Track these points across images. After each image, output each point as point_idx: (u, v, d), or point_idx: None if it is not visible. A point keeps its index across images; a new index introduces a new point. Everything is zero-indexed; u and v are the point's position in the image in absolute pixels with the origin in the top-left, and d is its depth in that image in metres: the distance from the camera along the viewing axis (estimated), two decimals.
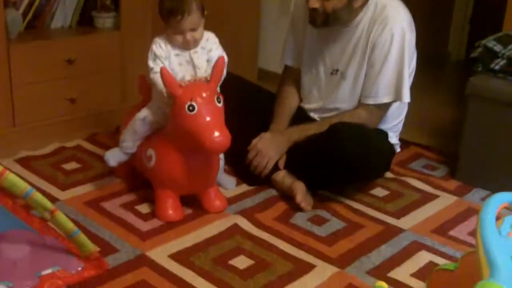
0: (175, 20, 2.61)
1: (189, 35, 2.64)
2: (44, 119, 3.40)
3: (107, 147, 3.19)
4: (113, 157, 2.85)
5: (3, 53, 3.17)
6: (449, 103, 4.37)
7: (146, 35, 3.58)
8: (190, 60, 2.71)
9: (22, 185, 2.11)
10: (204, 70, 2.69)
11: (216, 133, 2.45)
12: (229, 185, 3.06)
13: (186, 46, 2.68)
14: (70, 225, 2.22)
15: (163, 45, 2.68)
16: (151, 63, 2.66)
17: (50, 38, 3.49)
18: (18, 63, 3.23)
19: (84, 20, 3.70)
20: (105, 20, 3.68)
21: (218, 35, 3.60)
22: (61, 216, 2.19)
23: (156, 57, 2.66)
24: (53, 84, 3.40)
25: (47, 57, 3.35)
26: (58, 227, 2.25)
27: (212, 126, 2.46)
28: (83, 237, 2.26)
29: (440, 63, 5.45)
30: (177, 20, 2.61)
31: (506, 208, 1.81)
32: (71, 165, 3.19)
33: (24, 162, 3.18)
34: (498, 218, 1.74)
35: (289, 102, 3.20)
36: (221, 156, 2.96)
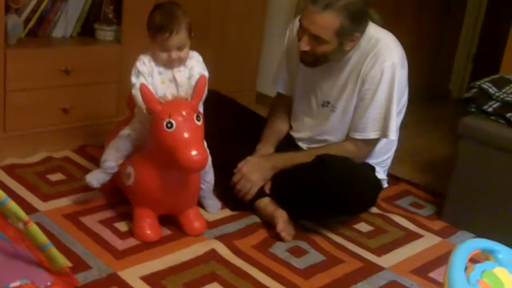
0: (162, 37, 2.62)
1: (174, 54, 2.64)
2: (34, 127, 3.39)
3: (95, 160, 3.19)
4: (96, 179, 2.81)
5: (0, 58, 3.17)
6: (445, 141, 4.36)
7: (147, 50, 3.58)
8: (173, 79, 2.72)
9: None
10: (185, 90, 2.69)
11: (194, 152, 2.43)
12: (213, 209, 3.03)
13: (170, 64, 2.68)
14: (42, 238, 2.19)
15: (147, 62, 2.69)
16: (133, 79, 2.67)
17: (48, 46, 3.49)
18: (14, 69, 3.23)
19: (86, 32, 3.71)
20: (106, 33, 3.69)
21: (220, 58, 3.64)
22: (34, 228, 2.17)
23: (139, 73, 2.67)
24: (47, 92, 3.40)
25: (44, 65, 3.36)
26: (31, 239, 2.22)
27: (189, 144, 2.44)
28: (54, 251, 2.23)
29: (440, 101, 5.44)
30: (165, 38, 2.61)
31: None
32: (56, 176, 3.17)
33: (9, 169, 3.16)
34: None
35: (278, 126, 3.20)
36: (209, 179, 2.95)
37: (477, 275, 1.70)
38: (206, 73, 2.72)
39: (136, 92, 2.61)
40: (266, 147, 3.09)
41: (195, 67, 2.73)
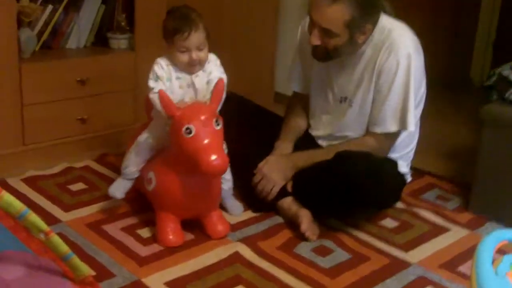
0: (181, 37, 2.60)
1: (195, 54, 2.62)
2: (54, 139, 3.39)
3: (115, 168, 3.19)
4: (118, 190, 2.83)
5: (15, 72, 3.18)
6: (468, 130, 4.29)
7: (161, 57, 3.58)
8: (191, 84, 2.70)
9: (17, 206, 2.07)
10: (203, 95, 2.67)
11: (213, 157, 2.41)
12: (236, 210, 3.02)
13: (191, 68, 2.66)
14: (64, 248, 2.17)
15: (165, 66, 2.67)
16: (151, 83, 2.65)
17: (63, 58, 3.49)
18: (30, 82, 3.23)
19: (99, 41, 3.71)
20: (119, 41, 3.68)
21: (235, 59, 3.61)
22: (55, 239, 2.15)
23: (157, 77, 2.65)
24: (64, 104, 3.40)
25: (59, 77, 3.36)
26: (53, 250, 2.21)
27: (209, 149, 2.43)
28: (77, 261, 2.21)
29: (462, 89, 5.37)
30: (184, 38, 2.60)
31: None
32: (77, 186, 3.17)
33: (31, 181, 3.17)
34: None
35: (296, 123, 3.18)
36: (229, 177, 2.93)
37: (506, 267, 1.65)
38: (224, 77, 2.70)
39: (154, 96, 2.60)
40: (284, 144, 3.07)
41: (213, 71, 2.71)
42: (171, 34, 2.63)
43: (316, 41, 2.78)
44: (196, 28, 2.60)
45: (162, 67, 2.67)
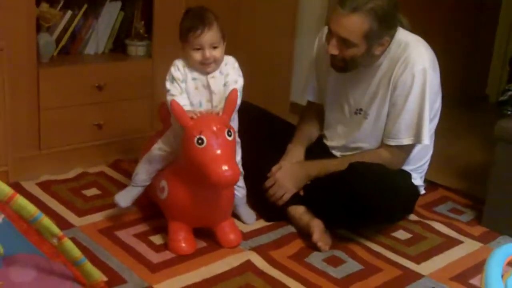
0: (195, 35, 2.62)
1: (208, 52, 2.63)
2: (69, 144, 3.41)
3: (130, 174, 3.18)
4: (123, 198, 2.84)
5: (33, 77, 3.20)
6: (483, 145, 4.28)
7: (178, 58, 3.60)
8: (207, 85, 2.71)
9: (31, 210, 2.08)
10: (219, 97, 2.67)
11: (224, 167, 2.41)
12: (249, 219, 3.02)
13: (205, 66, 2.67)
14: (77, 253, 2.19)
15: (181, 67, 2.69)
16: (168, 85, 2.68)
17: (81, 63, 3.51)
18: (47, 87, 3.26)
19: (118, 48, 3.73)
20: (137, 48, 3.70)
21: (251, 68, 3.60)
22: (68, 243, 2.16)
23: (173, 79, 2.67)
24: (81, 109, 3.41)
25: (77, 82, 3.37)
26: (65, 254, 2.22)
27: (220, 160, 2.43)
28: (89, 266, 2.22)
29: (478, 105, 5.37)
30: (197, 35, 2.62)
31: None
32: (91, 191, 3.19)
33: (45, 185, 3.19)
34: None
35: (309, 129, 3.20)
36: (242, 185, 2.94)
37: None
38: (241, 79, 2.72)
39: (169, 98, 2.61)
40: (296, 147, 3.08)
41: (230, 74, 2.72)
42: (186, 32, 2.65)
43: (334, 50, 2.79)
44: (209, 26, 2.62)
45: (178, 68, 2.69)
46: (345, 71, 2.90)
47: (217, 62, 2.68)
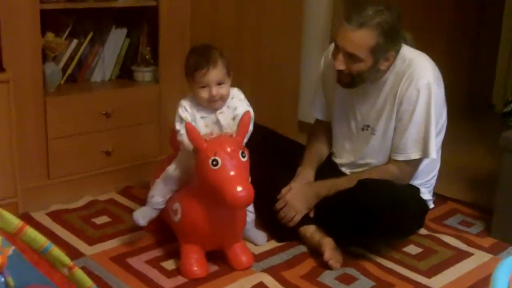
0: (200, 73, 2.64)
1: (215, 90, 2.65)
2: (78, 172, 3.42)
3: (140, 201, 3.22)
4: (143, 216, 2.84)
5: (40, 106, 3.22)
6: (490, 156, 4.27)
7: (185, 89, 3.60)
8: (217, 121, 2.73)
9: (41, 240, 2.10)
10: (229, 130, 2.68)
11: (239, 188, 2.43)
12: (260, 240, 3.02)
13: (212, 104, 2.69)
14: (87, 282, 2.20)
15: (188, 108, 2.71)
16: (178, 126, 2.69)
17: (88, 91, 3.53)
18: (55, 116, 3.27)
19: (124, 74, 3.75)
20: (144, 74, 3.72)
21: (258, 88, 3.63)
22: (79, 273, 2.17)
23: (182, 120, 2.67)
24: (89, 136, 3.43)
25: (84, 110, 3.39)
26: (76, 284, 2.23)
27: (235, 181, 2.44)
28: None
29: (484, 116, 5.38)
30: (203, 73, 2.64)
31: None
32: (101, 219, 3.20)
33: (55, 215, 3.20)
34: None
35: (318, 149, 3.21)
36: (251, 210, 2.95)
37: None
38: (250, 110, 2.72)
39: (182, 138, 2.64)
40: (306, 170, 3.09)
41: (238, 106, 2.73)
42: (191, 71, 2.68)
43: (340, 65, 2.81)
44: (214, 64, 2.64)
45: (186, 109, 2.71)
46: (351, 87, 2.92)
47: (223, 99, 2.71)
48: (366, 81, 2.89)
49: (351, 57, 2.77)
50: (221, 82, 2.67)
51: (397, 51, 2.85)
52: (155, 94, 3.67)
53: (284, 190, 3.00)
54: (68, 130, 3.34)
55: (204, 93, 2.67)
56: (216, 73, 2.65)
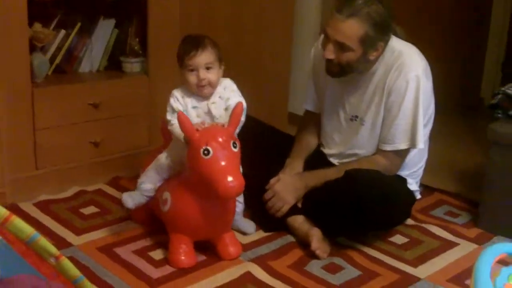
0: (189, 56, 2.65)
1: (202, 73, 2.66)
2: (67, 163, 3.41)
3: (128, 191, 3.20)
4: (132, 199, 2.84)
5: (27, 97, 3.21)
6: (479, 149, 4.30)
7: (174, 80, 3.59)
8: (208, 111, 2.73)
9: (27, 230, 2.10)
10: (222, 121, 2.69)
11: (230, 178, 2.44)
12: (249, 229, 3.04)
13: (201, 89, 2.69)
14: (75, 272, 2.20)
15: (180, 98, 2.72)
16: (169, 116, 2.70)
17: (76, 82, 3.51)
18: (43, 106, 3.26)
19: (113, 65, 3.74)
20: (133, 65, 3.71)
21: (248, 81, 3.61)
22: (66, 262, 2.18)
23: (173, 110, 2.69)
24: (77, 127, 3.42)
25: (72, 101, 3.38)
26: (63, 273, 2.24)
27: (226, 171, 2.45)
28: (88, 284, 2.23)
29: (473, 109, 5.40)
30: (191, 56, 2.65)
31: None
32: (89, 210, 3.19)
33: (43, 205, 3.19)
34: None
35: (307, 141, 3.22)
36: (241, 200, 2.96)
37: (504, 279, 1.68)
38: (243, 101, 2.72)
39: (172, 128, 2.65)
40: (295, 161, 3.11)
41: (231, 97, 2.73)
42: (181, 56, 2.69)
43: (330, 55, 2.82)
44: (203, 48, 2.66)
45: (177, 99, 2.72)
46: (340, 76, 2.93)
47: (212, 85, 2.71)
48: (355, 71, 2.90)
49: (341, 47, 2.79)
50: (210, 66, 2.68)
51: (386, 42, 2.87)
52: (143, 85, 3.67)
53: (272, 181, 3.01)
54: (56, 120, 3.33)
55: (192, 77, 2.67)
56: (204, 56, 2.66)
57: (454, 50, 5.22)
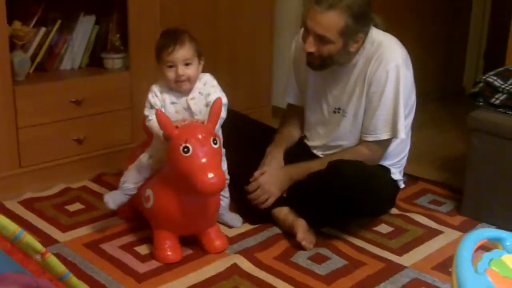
0: (167, 52, 2.65)
1: (181, 69, 2.65)
2: (50, 160, 3.42)
3: (113, 188, 3.20)
4: (113, 200, 2.84)
5: (9, 95, 3.20)
6: (461, 138, 4.33)
7: (156, 75, 3.59)
8: (188, 107, 2.73)
9: (12, 228, 2.09)
10: (202, 118, 2.68)
11: (210, 175, 2.42)
12: (235, 223, 3.05)
13: (179, 85, 2.68)
14: (61, 268, 2.20)
15: (158, 93, 2.71)
16: (146, 111, 2.71)
17: (57, 79, 3.50)
18: (24, 104, 3.26)
19: (94, 62, 3.73)
20: (114, 61, 3.71)
21: (232, 75, 3.62)
22: (52, 259, 2.17)
23: (151, 105, 2.69)
24: (60, 125, 3.42)
25: (54, 99, 3.38)
26: (49, 270, 2.24)
27: (206, 168, 2.44)
28: (74, 280, 2.23)
29: (455, 99, 5.43)
30: (169, 52, 2.64)
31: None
32: (74, 206, 3.19)
33: (28, 203, 3.19)
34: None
35: (289, 132, 3.24)
36: (226, 195, 2.97)
37: (485, 264, 1.70)
38: (223, 96, 2.73)
39: (150, 124, 2.65)
40: (276, 150, 3.11)
41: (211, 93, 2.73)
42: (159, 51, 2.68)
43: (310, 48, 2.83)
44: (182, 44, 2.65)
45: (155, 94, 2.72)
46: (321, 69, 2.94)
47: (191, 80, 2.70)
48: (336, 64, 2.91)
49: (321, 39, 2.79)
50: (188, 62, 2.67)
51: (366, 33, 2.88)
52: (125, 81, 3.67)
53: (256, 173, 3.02)
54: (38, 118, 3.33)
55: (170, 73, 2.67)
56: (182, 52, 2.65)
57: (436, 39, 5.25)
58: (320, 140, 3.15)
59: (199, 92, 2.74)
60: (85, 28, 3.64)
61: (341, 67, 2.96)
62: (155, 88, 2.73)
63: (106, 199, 2.84)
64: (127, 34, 3.66)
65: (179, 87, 2.69)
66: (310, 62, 2.92)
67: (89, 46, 3.69)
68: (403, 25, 4.09)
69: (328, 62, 2.88)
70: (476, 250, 1.74)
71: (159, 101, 2.71)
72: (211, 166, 2.45)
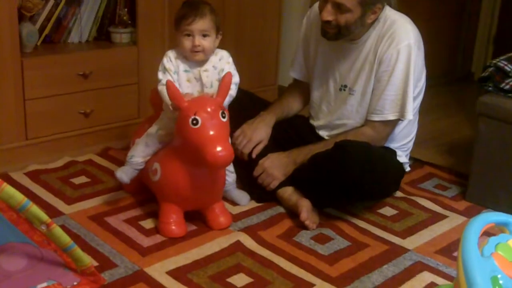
0: (186, 22, 2.65)
1: (197, 40, 2.65)
2: (57, 133, 3.41)
3: (118, 162, 3.22)
4: (126, 174, 2.84)
5: (17, 67, 3.19)
6: (469, 123, 4.33)
7: (163, 50, 3.58)
8: (199, 78, 2.72)
9: (18, 198, 2.11)
10: (212, 91, 2.68)
11: (219, 148, 2.43)
12: (243, 200, 3.05)
13: (194, 54, 2.68)
14: (66, 239, 2.22)
15: (173, 59, 2.71)
16: (160, 75, 2.70)
17: (65, 52, 3.50)
18: (32, 76, 3.25)
19: (102, 36, 3.72)
20: (122, 35, 3.69)
21: (239, 54, 3.60)
22: (57, 230, 2.19)
23: (165, 69, 2.69)
24: (67, 98, 3.41)
25: (61, 71, 3.37)
26: (54, 241, 2.25)
27: (214, 140, 2.45)
28: (79, 252, 2.25)
29: (464, 83, 5.43)
30: (188, 22, 2.64)
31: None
32: (80, 179, 3.20)
33: (34, 175, 3.19)
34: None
35: (288, 102, 3.26)
36: (232, 170, 2.98)
37: (491, 248, 1.70)
38: (237, 76, 2.73)
39: (162, 88, 2.64)
40: (269, 115, 3.13)
41: (225, 69, 2.73)
42: (179, 20, 2.68)
43: (328, 16, 2.81)
44: (201, 15, 2.65)
45: (170, 59, 2.71)
46: (336, 39, 2.92)
47: (206, 52, 2.70)
48: (351, 34, 2.89)
49: (339, 8, 2.77)
50: (206, 34, 2.67)
51: (383, 5, 2.87)
52: (133, 55, 3.65)
53: (261, 161, 3.02)
54: (45, 91, 3.32)
55: (187, 42, 2.66)
56: (202, 23, 2.65)
57: (446, 22, 5.22)
58: (325, 119, 3.15)
59: (213, 66, 2.74)
60: (93, 1, 3.62)
61: (351, 44, 2.95)
62: (170, 54, 2.73)
63: (119, 174, 2.84)
64: (135, 9, 3.63)
65: (193, 56, 2.69)
66: (326, 31, 2.90)
67: (97, 19, 3.68)
68: (413, 7, 4.06)
69: (344, 32, 2.86)
70: (481, 235, 1.73)
71: (174, 66, 2.70)
72: (219, 139, 2.46)
